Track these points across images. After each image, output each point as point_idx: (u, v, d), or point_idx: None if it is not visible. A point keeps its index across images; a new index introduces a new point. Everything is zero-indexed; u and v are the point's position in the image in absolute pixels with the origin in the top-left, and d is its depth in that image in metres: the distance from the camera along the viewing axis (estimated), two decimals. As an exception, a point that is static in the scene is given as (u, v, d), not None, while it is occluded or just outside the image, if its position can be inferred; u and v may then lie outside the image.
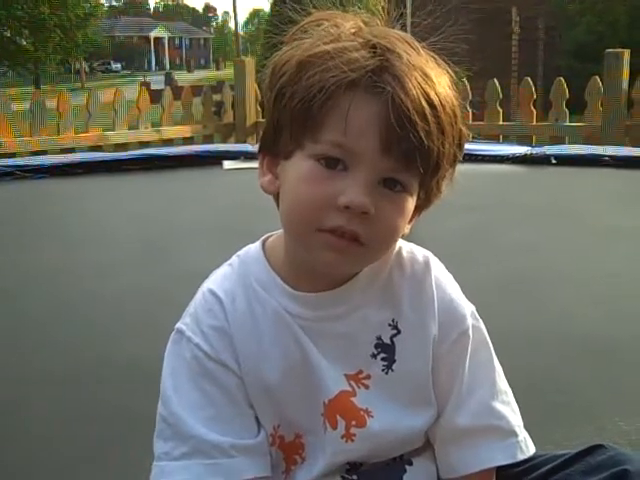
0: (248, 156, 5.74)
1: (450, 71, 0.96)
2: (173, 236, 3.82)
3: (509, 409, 1.07)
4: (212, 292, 1.04)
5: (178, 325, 1.04)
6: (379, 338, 1.04)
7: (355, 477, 1.05)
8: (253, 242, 1.10)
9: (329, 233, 0.91)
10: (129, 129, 7.19)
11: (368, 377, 1.04)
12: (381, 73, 0.89)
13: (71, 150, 6.56)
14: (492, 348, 1.09)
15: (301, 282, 1.02)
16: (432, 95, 0.90)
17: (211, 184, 5.24)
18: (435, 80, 0.92)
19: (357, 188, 0.90)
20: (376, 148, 0.89)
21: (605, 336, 2.41)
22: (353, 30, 0.94)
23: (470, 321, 1.06)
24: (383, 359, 1.04)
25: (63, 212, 4.46)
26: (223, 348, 1.00)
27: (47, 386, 2.15)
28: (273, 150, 0.97)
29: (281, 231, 1.05)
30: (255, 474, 1.00)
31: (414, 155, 0.90)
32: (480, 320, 1.08)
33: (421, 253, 1.07)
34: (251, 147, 6.14)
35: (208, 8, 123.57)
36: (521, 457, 1.06)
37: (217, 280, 1.06)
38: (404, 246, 1.06)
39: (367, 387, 1.04)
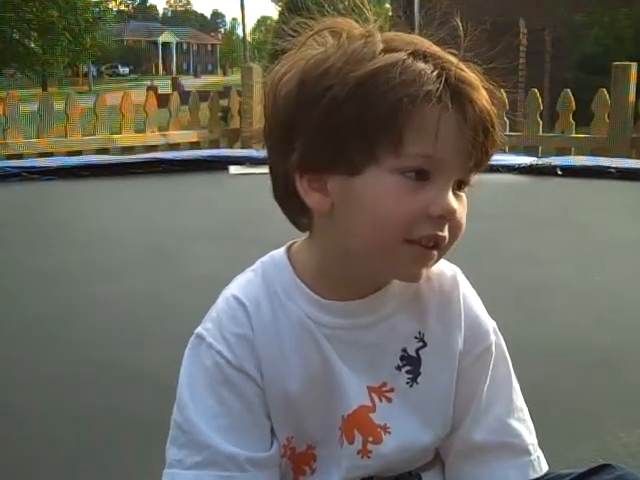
0: (254, 161, 5.75)
1: None
2: (178, 240, 3.82)
3: (524, 427, 1.06)
4: (236, 298, 1.01)
5: (198, 330, 1.02)
6: (404, 350, 1.03)
7: None
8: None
9: (418, 245, 0.92)
10: (136, 133, 7.21)
11: (391, 390, 1.03)
12: (455, 83, 0.90)
13: (78, 152, 6.59)
14: (511, 364, 1.08)
15: (330, 291, 1.00)
16: (490, 99, 0.93)
17: (217, 189, 5.25)
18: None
19: (447, 196, 0.91)
20: (461, 156, 0.91)
21: (606, 347, 2.41)
22: (379, 39, 0.94)
23: (493, 337, 1.06)
24: (408, 372, 1.03)
25: (69, 214, 4.47)
26: (246, 356, 0.99)
27: (48, 388, 2.15)
28: (321, 168, 0.94)
29: (305, 239, 1.04)
30: None
31: (487, 158, 0.93)
32: (500, 336, 1.08)
33: (449, 268, 1.07)
34: (256, 153, 6.12)
35: (216, 14, 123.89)
36: (533, 476, 1.05)
37: (241, 285, 1.04)
38: None
39: (390, 400, 1.03)
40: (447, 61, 0.91)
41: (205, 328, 1.01)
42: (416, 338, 1.03)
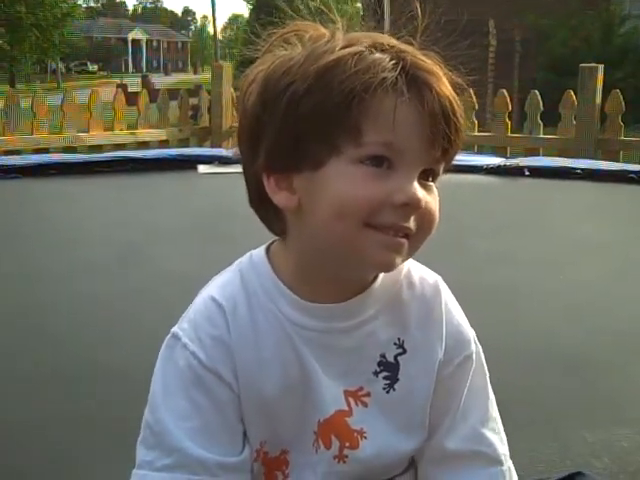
0: (223, 160, 5.73)
1: None
2: (147, 239, 3.79)
3: (497, 437, 1.07)
4: (214, 299, 1.00)
5: (174, 329, 1.01)
6: (383, 356, 1.03)
7: None
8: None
9: (383, 233, 0.91)
10: (104, 131, 7.14)
11: (368, 395, 1.03)
12: (412, 70, 0.90)
13: (45, 151, 6.50)
14: (488, 374, 1.09)
15: (309, 293, 1.00)
16: (450, 78, 0.94)
17: (185, 188, 5.22)
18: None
19: (412, 185, 0.91)
20: (423, 143, 0.90)
21: (573, 348, 2.43)
22: (341, 36, 0.95)
23: (473, 346, 1.07)
24: (385, 377, 1.03)
25: (36, 213, 4.42)
26: (220, 359, 0.98)
27: (25, 386, 2.14)
28: (285, 166, 0.94)
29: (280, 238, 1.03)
30: None
31: (452, 144, 0.93)
32: (479, 345, 1.08)
33: (431, 276, 1.07)
34: (226, 152, 6.12)
35: (187, 12, 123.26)
36: None
37: (218, 286, 1.03)
38: (414, 266, 1.06)
39: (365, 405, 1.03)
40: (405, 51, 0.92)
41: (181, 328, 1.00)
42: (395, 344, 1.03)
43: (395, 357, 1.03)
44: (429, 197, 0.93)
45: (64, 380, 2.18)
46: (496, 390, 1.13)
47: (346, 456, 1.02)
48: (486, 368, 1.09)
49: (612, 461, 1.73)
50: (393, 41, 0.94)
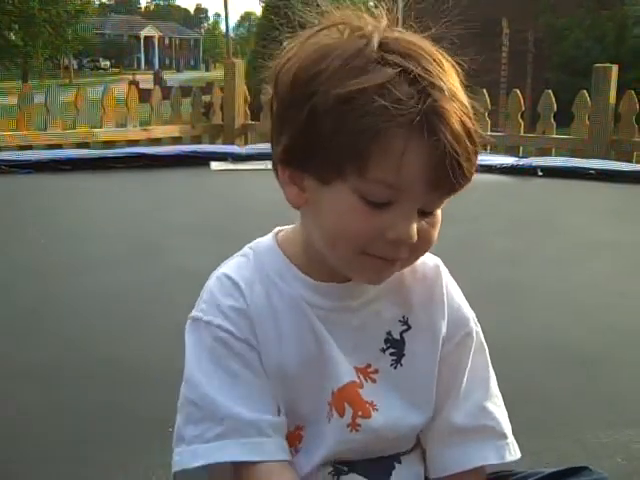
0: (235, 157, 5.74)
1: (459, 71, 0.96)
2: (159, 235, 3.81)
3: (500, 412, 1.09)
4: (229, 277, 1.03)
5: (193, 314, 1.03)
6: (389, 333, 1.06)
7: (346, 468, 1.06)
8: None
9: (376, 258, 0.94)
10: (117, 127, 7.17)
11: (376, 371, 1.05)
12: (430, 114, 0.88)
13: (58, 146, 6.53)
14: (488, 354, 1.11)
15: (318, 274, 1.03)
16: (470, 126, 0.91)
17: (198, 184, 5.23)
18: (466, 102, 0.92)
19: (405, 222, 0.92)
20: (425, 186, 0.90)
21: (585, 347, 2.43)
22: (376, 45, 0.91)
23: (473, 324, 1.09)
24: (392, 354, 1.06)
25: (48, 208, 4.44)
26: (245, 327, 1.00)
27: (33, 380, 2.14)
28: (300, 167, 0.96)
29: (293, 226, 1.06)
30: (285, 457, 1.00)
31: (458, 189, 0.92)
32: (479, 325, 1.11)
33: (432, 259, 1.10)
34: (239, 148, 6.14)
35: (199, 9, 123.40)
36: (510, 459, 1.08)
37: (232, 268, 1.05)
38: None
39: (374, 381, 1.05)
40: (435, 86, 0.89)
41: (200, 310, 1.02)
42: (400, 321, 1.06)
43: (400, 334, 1.06)
44: (424, 227, 0.95)
45: (72, 374, 2.19)
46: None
47: (359, 425, 1.04)
48: (486, 346, 1.11)
49: (626, 461, 1.73)
50: (428, 62, 0.91)
